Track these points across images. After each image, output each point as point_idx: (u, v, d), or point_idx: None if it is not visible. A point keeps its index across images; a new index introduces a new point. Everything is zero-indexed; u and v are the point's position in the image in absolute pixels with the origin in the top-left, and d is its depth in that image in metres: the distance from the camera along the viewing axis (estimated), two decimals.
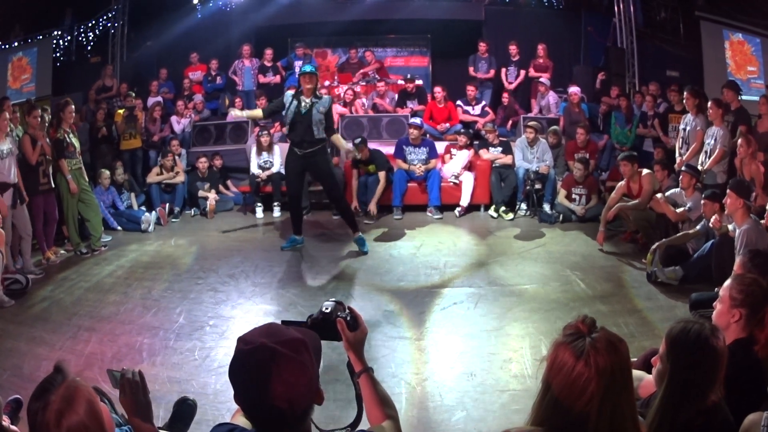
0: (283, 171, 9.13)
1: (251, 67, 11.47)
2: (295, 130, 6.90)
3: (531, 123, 9.14)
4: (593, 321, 1.72)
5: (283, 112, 6.97)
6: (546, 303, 5.68)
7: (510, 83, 11.27)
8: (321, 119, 6.82)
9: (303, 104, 6.80)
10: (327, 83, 11.46)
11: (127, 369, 2.39)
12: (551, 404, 1.67)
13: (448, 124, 10.28)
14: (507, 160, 9.05)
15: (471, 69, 11.36)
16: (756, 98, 8.21)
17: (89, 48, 12.85)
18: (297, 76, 6.78)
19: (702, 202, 6.08)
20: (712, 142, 7.05)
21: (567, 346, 1.66)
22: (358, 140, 8.71)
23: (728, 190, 5.44)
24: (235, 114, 8.18)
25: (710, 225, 5.96)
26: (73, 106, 7.44)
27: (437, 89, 10.59)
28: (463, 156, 9.09)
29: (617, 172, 7.95)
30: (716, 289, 3.67)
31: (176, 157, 9.43)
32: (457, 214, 8.83)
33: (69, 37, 12.55)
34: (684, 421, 2.18)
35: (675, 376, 2.24)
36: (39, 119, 6.97)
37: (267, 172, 9.13)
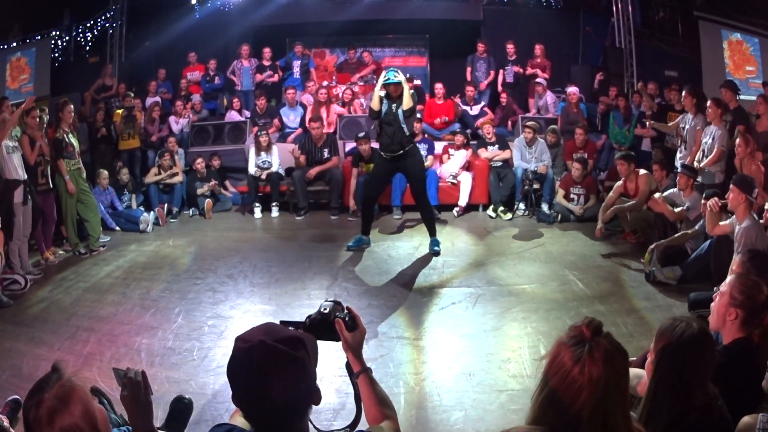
0: (281, 171, 9.19)
1: (250, 67, 11.44)
2: (384, 132, 6.92)
3: (529, 123, 9.14)
4: (599, 325, 1.71)
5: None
6: (544, 303, 5.67)
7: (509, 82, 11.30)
8: (407, 115, 6.88)
9: (392, 106, 6.84)
10: (325, 83, 11.46)
11: (131, 369, 2.41)
12: (548, 401, 1.68)
13: (447, 118, 10.30)
14: (505, 154, 9.08)
15: (468, 70, 11.35)
16: (754, 98, 8.22)
17: (87, 48, 12.85)
18: (385, 84, 6.83)
19: (702, 202, 6.08)
20: (710, 141, 7.04)
21: (568, 348, 1.67)
22: (361, 134, 8.75)
23: (731, 186, 5.39)
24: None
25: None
26: (71, 106, 7.44)
27: (438, 86, 10.62)
28: (460, 156, 9.09)
29: (616, 171, 7.95)
30: (715, 288, 3.67)
31: (174, 157, 9.43)
32: (456, 214, 8.83)
33: (67, 38, 12.56)
34: (675, 417, 2.18)
35: (662, 372, 2.25)
36: (37, 119, 6.97)
37: (265, 172, 9.11)
